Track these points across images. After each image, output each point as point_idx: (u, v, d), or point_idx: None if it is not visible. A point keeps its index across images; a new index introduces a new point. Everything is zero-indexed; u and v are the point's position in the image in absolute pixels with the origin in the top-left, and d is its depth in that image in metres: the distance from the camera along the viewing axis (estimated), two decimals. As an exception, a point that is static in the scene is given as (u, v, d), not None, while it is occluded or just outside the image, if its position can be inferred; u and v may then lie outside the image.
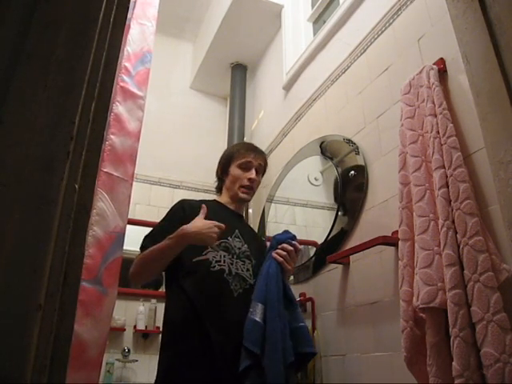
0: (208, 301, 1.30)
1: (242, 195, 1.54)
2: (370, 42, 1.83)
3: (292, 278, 2.06)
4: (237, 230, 1.48)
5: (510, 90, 0.77)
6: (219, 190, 1.64)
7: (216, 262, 1.36)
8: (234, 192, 1.55)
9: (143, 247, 1.36)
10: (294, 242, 1.46)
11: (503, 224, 0.80)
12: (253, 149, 1.61)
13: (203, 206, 1.39)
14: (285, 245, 1.43)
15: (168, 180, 3.04)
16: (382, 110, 1.67)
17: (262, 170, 1.61)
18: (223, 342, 1.25)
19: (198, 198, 1.61)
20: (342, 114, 1.95)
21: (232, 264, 1.39)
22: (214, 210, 1.47)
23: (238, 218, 1.57)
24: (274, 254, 1.41)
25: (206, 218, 1.38)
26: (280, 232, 1.53)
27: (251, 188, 1.55)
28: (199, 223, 1.32)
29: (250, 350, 1.22)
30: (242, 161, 1.56)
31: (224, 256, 1.38)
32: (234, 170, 1.56)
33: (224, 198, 1.59)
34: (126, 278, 1.39)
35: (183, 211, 1.44)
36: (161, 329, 1.46)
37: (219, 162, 1.65)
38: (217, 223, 1.33)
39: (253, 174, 1.54)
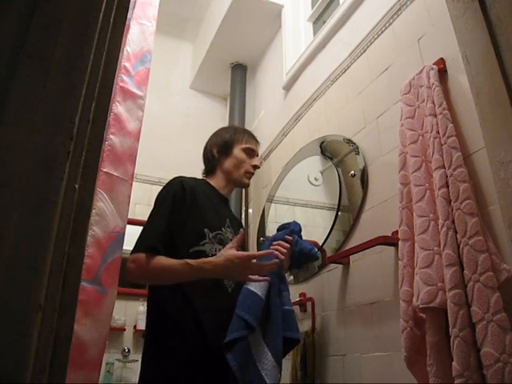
0: (203, 297, 1.28)
1: (246, 181, 1.56)
2: (370, 42, 1.83)
3: (292, 277, 2.06)
4: (228, 220, 1.48)
5: (510, 90, 0.76)
6: (211, 171, 1.56)
7: (212, 256, 1.33)
8: (237, 176, 1.53)
9: (153, 248, 1.25)
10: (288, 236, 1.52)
11: (503, 224, 0.80)
12: (255, 137, 1.65)
13: (240, 235, 1.29)
14: (282, 242, 1.47)
15: (168, 180, 3.04)
16: (382, 110, 1.67)
17: None
18: (217, 339, 1.22)
19: (189, 175, 1.51)
20: (342, 113, 1.95)
21: None
22: (209, 194, 1.47)
23: (226, 205, 1.57)
24: (275, 253, 1.42)
25: (197, 201, 1.38)
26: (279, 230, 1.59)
27: (253, 175, 1.59)
28: (245, 264, 1.24)
29: (249, 322, 1.24)
30: (248, 146, 1.57)
31: (219, 250, 1.35)
32: (240, 154, 1.54)
33: (217, 182, 1.53)
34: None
35: (183, 194, 1.38)
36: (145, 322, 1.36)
37: (216, 142, 1.58)
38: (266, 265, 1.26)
39: (258, 161, 1.59)
